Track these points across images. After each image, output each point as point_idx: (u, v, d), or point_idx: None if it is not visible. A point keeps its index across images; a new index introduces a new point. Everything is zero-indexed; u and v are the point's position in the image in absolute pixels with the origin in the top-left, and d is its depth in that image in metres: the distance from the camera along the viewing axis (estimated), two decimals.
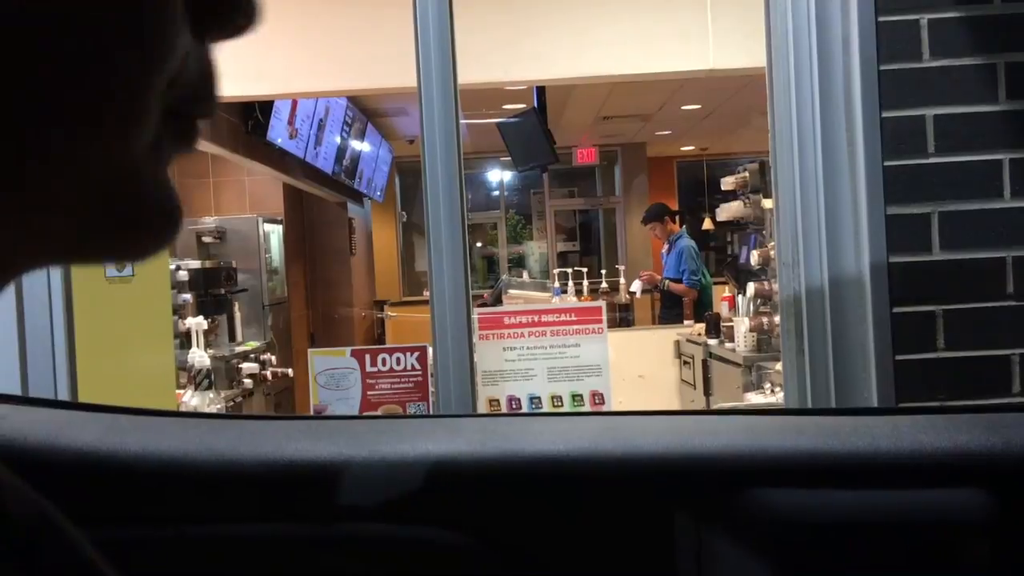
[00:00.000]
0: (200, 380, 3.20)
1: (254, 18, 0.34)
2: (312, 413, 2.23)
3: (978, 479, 0.78)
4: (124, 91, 0.30)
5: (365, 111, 7.67)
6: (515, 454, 0.81)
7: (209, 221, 6.30)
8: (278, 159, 6.13)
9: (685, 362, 5.48)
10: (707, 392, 5.05)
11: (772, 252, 3.78)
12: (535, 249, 11.07)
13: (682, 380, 5.53)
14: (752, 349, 4.47)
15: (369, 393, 2.19)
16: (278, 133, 5.63)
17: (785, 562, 0.78)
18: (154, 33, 0.30)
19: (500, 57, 3.93)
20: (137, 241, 0.33)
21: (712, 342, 4.99)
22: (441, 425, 0.87)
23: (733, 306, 4.94)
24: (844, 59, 1.79)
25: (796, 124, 1.83)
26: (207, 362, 3.35)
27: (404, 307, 9.47)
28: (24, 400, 0.97)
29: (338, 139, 6.94)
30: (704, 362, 5.08)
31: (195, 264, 5.15)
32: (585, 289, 6.34)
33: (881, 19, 1.74)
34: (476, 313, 2.23)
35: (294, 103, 5.76)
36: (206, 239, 6.20)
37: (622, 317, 6.37)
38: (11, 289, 1.81)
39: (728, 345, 4.73)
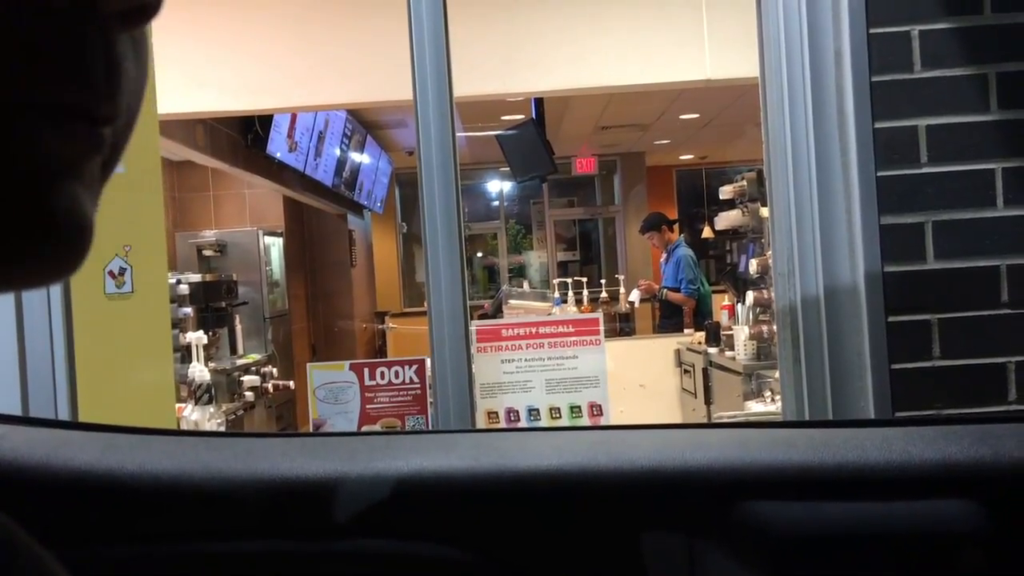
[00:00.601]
0: (200, 395, 3.21)
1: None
2: (311, 427, 2.24)
3: (967, 490, 0.78)
4: None
5: (364, 123, 7.69)
6: (509, 469, 0.82)
7: (209, 234, 6.32)
8: (278, 172, 6.15)
9: (686, 371, 5.48)
10: (708, 401, 5.05)
11: (770, 261, 3.79)
12: (535, 259, 11.08)
13: (683, 389, 5.53)
14: (752, 357, 4.47)
15: (368, 407, 2.20)
16: (278, 146, 5.65)
17: (777, 574, 0.79)
18: None
19: (498, 69, 3.94)
20: (19, 263, 0.28)
21: (712, 351, 4.99)
22: (436, 441, 0.88)
23: (733, 315, 4.95)
24: (836, 71, 1.80)
25: (790, 136, 1.85)
26: (207, 377, 3.36)
27: (405, 318, 9.48)
28: (21, 420, 0.98)
29: (338, 151, 6.96)
30: (704, 371, 5.08)
31: (196, 278, 5.17)
32: (585, 299, 6.34)
33: (872, 31, 1.75)
34: (474, 325, 2.24)
35: (293, 116, 5.79)
36: (206, 252, 6.22)
37: (622, 327, 6.37)
38: (11, 307, 1.82)
39: (728, 353, 4.74)
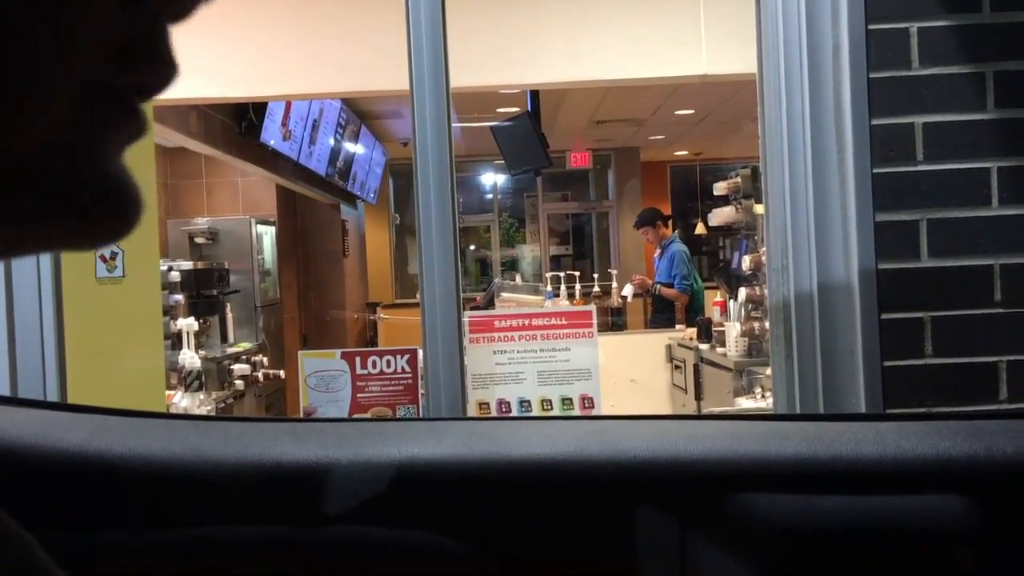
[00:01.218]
0: (190, 381, 3.20)
1: None
2: (302, 415, 2.23)
3: (960, 486, 0.78)
4: (17, 62, 0.27)
5: (359, 113, 7.67)
6: (502, 457, 0.81)
7: (202, 222, 6.29)
8: (271, 160, 6.12)
9: (677, 366, 5.49)
10: (698, 396, 5.06)
11: (764, 257, 3.79)
12: (528, 252, 11.08)
13: (673, 384, 5.54)
14: (743, 354, 4.48)
15: (359, 395, 2.19)
16: (271, 134, 5.63)
17: (768, 566, 0.79)
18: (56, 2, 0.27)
19: (494, 61, 3.93)
20: (71, 230, 0.30)
21: (704, 347, 5.00)
22: (427, 428, 0.87)
23: (725, 311, 4.96)
24: (834, 67, 1.80)
25: (786, 131, 1.84)
26: (197, 364, 3.35)
27: (397, 309, 9.47)
28: (10, 401, 0.97)
29: (332, 141, 6.94)
30: (696, 366, 5.09)
31: (187, 265, 5.14)
32: (577, 293, 6.35)
33: (871, 27, 1.75)
34: (467, 316, 2.23)
35: (288, 105, 5.76)
36: (198, 240, 6.20)
37: (614, 321, 6.37)
38: (1, 287, 1.81)
39: (719, 350, 4.75)
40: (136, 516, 0.81)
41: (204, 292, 5.28)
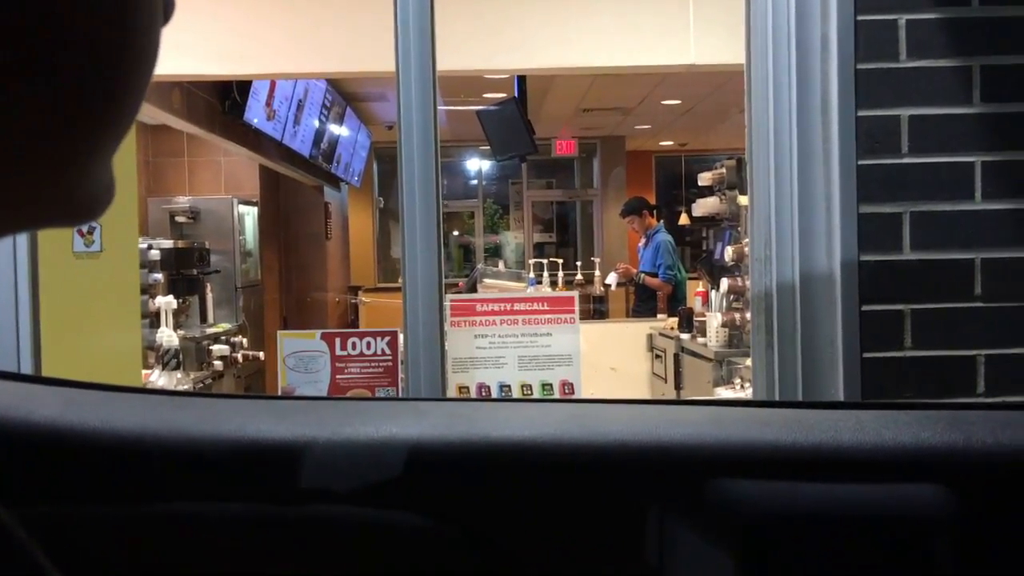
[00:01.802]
0: (168, 360, 3.17)
1: None
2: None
3: (938, 474, 0.78)
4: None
5: (344, 95, 7.62)
6: (481, 438, 0.81)
7: (183, 201, 6.24)
8: (255, 140, 6.07)
9: (657, 356, 5.51)
10: (678, 386, 5.08)
11: (746, 248, 3.80)
12: (511, 239, 11.07)
13: (653, 373, 5.56)
14: (723, 344, 4.49)
15: (338, 377, 2.18)
16: (255, 114, 5.58)
17: (746, 551, 0.79)
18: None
19: (481, 45, 3.91)
20: (65, 217, 0.32)
21: (684, 336, 5.01)
22: (407, 408, 0.87)
23: (706, 301, 4.97)
24: (822, 57, 1.80)
25: (772, 121, 1.84)
26: (175, 342, 3.32)
27: (378, 293, 9.44)
28: None
29: (316, 122, 6.89)
30: (676, 356, 5.11)
31: (167, 243, 5.10)
32: (560, 280, 6.35)
33: (860, 18, 1.75)
34: (448, 300, 2.22)
35: (272, 84, 5.71)
36: (179, 219, 6.15)
37: (596, 309, 6.38)
38: None
39: (700, 340, 4.76)
40: (109, 490, 0.80)
41: (184, 271, 5.24)
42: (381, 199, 11.04)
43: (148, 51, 0.30)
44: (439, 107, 2.01)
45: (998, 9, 1.74)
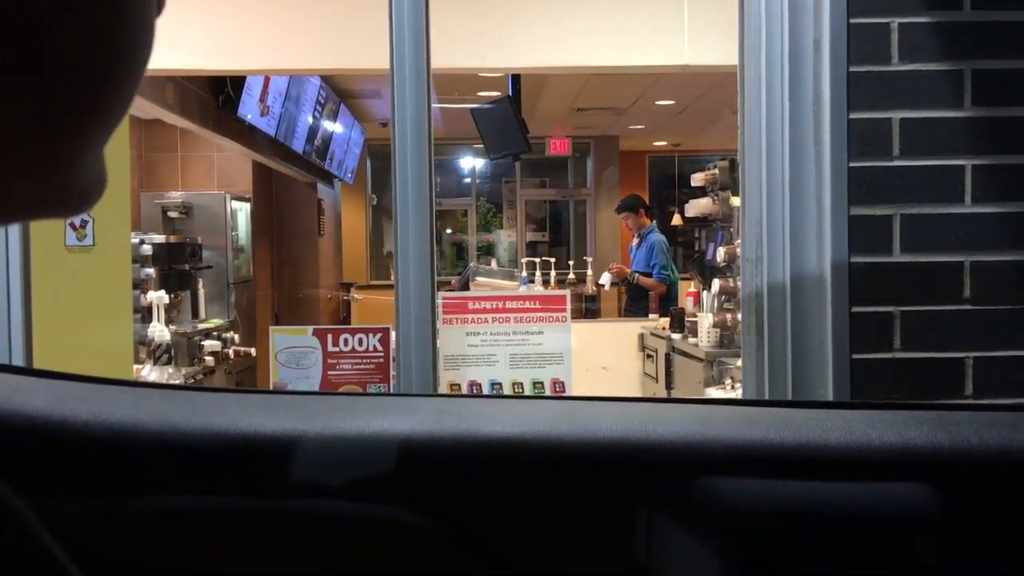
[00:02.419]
0: (159, 355, 3.16)
1: None
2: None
3: (924, 474, 0.79)
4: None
5: (339, 92, 7.61)
6: (471, 434, 0.81)
7: (176, 196, 6.23)
8: (248, 135, 6.06)
9: (648, 355, 5.52)
10: (669, 386, 5.09)
11: (738, 249, 3.82)
12: (504, 238, 11.07)
13: (645, 373, 5.57)
14: (715, 344, 4.51)
15: (330, 373, 2.18)
16: (249, 109, 5.57)
17: (733, 549, 0.79)
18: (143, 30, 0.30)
19: (475, 43, 3.91)
20: (57, 210, 0.33)
21: (676, 336, 5.02)
22: (397, 404, 0.87)
23: (698, 302, 4.98)
24: (815, 60, 1.80)
25: (765, 122, 1.85)
26: (167, 337, 3.32)
27: (371, 290, 9.43)
28: None
29: (310, 119, 6.88)
30: (667, 356, 5.12)
31: (159, 238, 5.09)
32: (552, 279, 6.35)
33: (853, 21, 1.76)
34: (441, 297, 2.23)
35: (266, 80, 5.70)
36: (172, 214, 6.13)
37: (588, 308, 6.39)
38: None
39: (691, 340, 4.77)
40: (99, 483, 0.80)
41: (176, 266, 5.23)
42: (374, 196, 11.03)
43: (141, 42, 0.30)
44: (433, 105, 2.02)
45: (990, 13, 1.75)
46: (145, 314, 4.24)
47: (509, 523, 0.80)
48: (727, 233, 4.85)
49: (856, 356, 1.77)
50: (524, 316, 2.28)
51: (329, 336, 2.20)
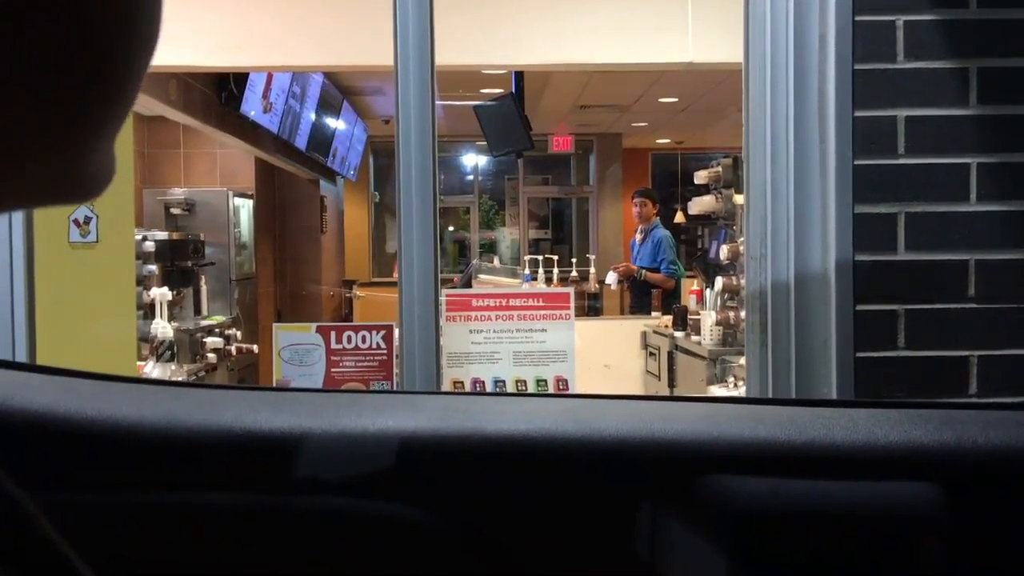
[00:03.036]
0: (162, 351, 3.17)
1: None
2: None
3: (930, 473, 0.79)
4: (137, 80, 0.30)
5: (342, 89, 7.61)
6: (476, 432, 0.81)
7: (178, 192, 6.23)
8: (251, 132, 6.06)
9: (651, 353, 5.51)
10: (671, 384, 5.09)
11: (741, 247, 3.81)
12: (507, 235, 11.06)
13: (647, 371, 5.57)
14: (717, 343, 4.50)
15: (333, 370, 2.18)
16: (252, 106, 5.57)
17: (738, 548, 0.79)
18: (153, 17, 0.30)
19: (478, 40, 3.91)
20: (62, 199, 0.33)
21: (678, 334, 5.02)
22: (402, 401, 0.87)
23: (701, 300, 4.98)
24: (820, 57, 1.80)
25: (770, 120, 1.85)
26: (170, 333, 3.32)
27: (373, 288, 9.43)
28: None
29: (313, 115, 6.88)
30: (670, 354, 5.11)
31: (162, 235, 5.09)
32: (555, 277, 6.35)
33: (858, 19, 1.75)
34: (444, 295, 2.23)
35: (269, 77, 5.70)
36: (174, 210, 6.14)
37: (590, 306, 6.39)
38: None
39: (694, 338, 4.77)
40: (104, 480, 0.80)
41: (178, 263, 5.23)
42: (377, 193, 11.03)
43: (152, 30, 0.30)
44: (436, 102, 2.02)
45: (996, 11, 1.75)
46: (148, 311, 4.25)
47: (514, 520, 0.80)
48: (730, 231, 4.85)
49: (860, 354, 1.77)
50: (527, 313, 2.28)
51: (333, 333, 2.20)
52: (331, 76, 7.04)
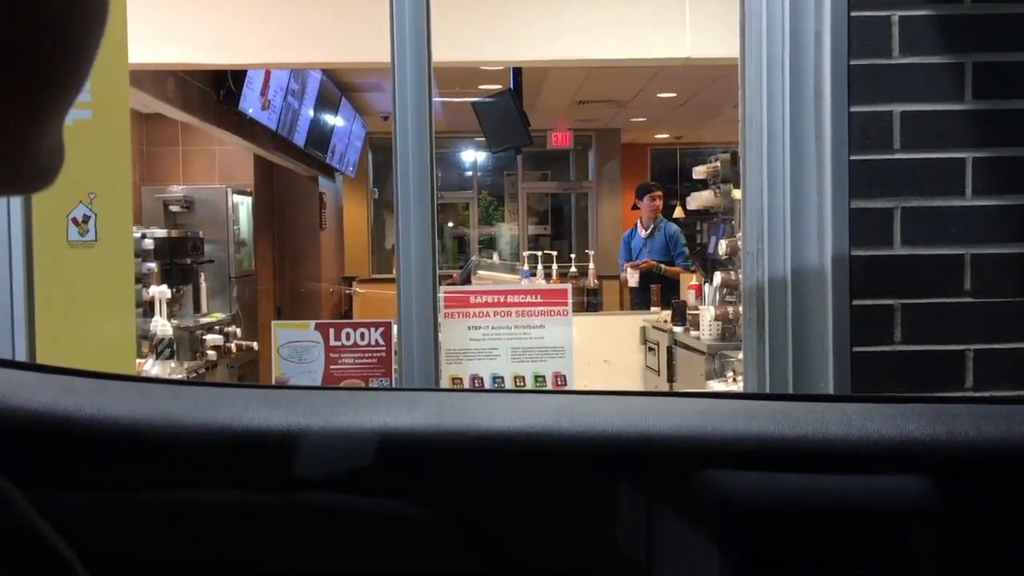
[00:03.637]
0: (162, 349, 3.17)
1: None
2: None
3: (922, 467, 0.80)
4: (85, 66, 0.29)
5: (340, 85, 7.60)
6: (472, 428, 0.82)
7: (177, 190, 6.23)
8: (249, 129, 6.06)
9: (650, 348, 5.52)
10: (671, 379, 5.10)
11: (740, 242, 3.82)
12: (506, 231, 11.06)
13: (646, 366, 5.57)
14: (716, 337, 4.51)
15: (332, 367, 2.19)
16: (250, 103, 5.57)
17: (733, 542, 0.80)
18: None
19: (477, 36, 3.91)
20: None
21: (677, 329, 5.02)
22: (399, 398, 0.88)
23: (700, 295, 4.98)
24: (816, 53, 1.80)
25: (766, 115, 1.85)
26: (169, 331, 3.33)
27: (373, 284, 9.43)
28: None
29: (311, 112, 6.87)
30: (669, 349, 5.12)
31: (161, 233, 5.09)
32: (554, 272, 6.35)
33: (853, 14, 1.76)
34: (442, 291, 2.23)
35: (267, 74, 5.70)
36: (173, 208, 6.14)
37: (589, 302, 6.39)
38: None
39: (693, 333, 4.78)
40: (104, 478, 0.81)
41: (178, 261, 5.24)
42: (376, 190, 11.02)
43: (95, 14, 0.29)
44: (434, 98, 2.02)
45: (990, 6, 1.75)
46: (147, 308, 4.25)
47: (511, 517, 0.80)
48: (729, 226, 4.85)
49: (857, 349, 1.78)
50: (526, 310, 2.29)
51: (331, 330, 2.21)
52: (329, 73, 7.03)
